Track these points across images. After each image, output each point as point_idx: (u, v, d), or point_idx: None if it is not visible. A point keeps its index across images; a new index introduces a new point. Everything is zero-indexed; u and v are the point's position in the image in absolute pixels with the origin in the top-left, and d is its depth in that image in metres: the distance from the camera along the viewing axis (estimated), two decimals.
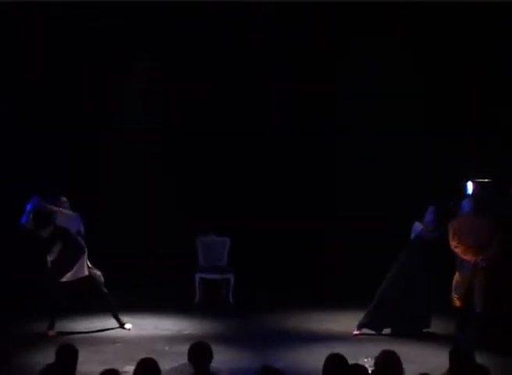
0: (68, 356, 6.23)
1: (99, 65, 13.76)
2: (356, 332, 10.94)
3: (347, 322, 11.90)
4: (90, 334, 10.91)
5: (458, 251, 10.55)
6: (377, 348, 6.50)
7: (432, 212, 10.96)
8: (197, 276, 12.88)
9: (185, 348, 6.51)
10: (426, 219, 11.00)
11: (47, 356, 6.69)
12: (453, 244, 10.61)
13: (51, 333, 10.69)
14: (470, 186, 12.18)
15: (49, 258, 10.83)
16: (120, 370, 8.11)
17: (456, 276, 10.61)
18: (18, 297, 12.46)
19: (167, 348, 10.10)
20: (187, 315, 11.60)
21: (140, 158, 14.37)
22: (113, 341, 10.58)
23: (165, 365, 6.70)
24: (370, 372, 6.34)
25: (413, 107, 13.54)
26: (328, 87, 13.98)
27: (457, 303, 10.56)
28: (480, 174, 12.41)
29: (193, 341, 6.69)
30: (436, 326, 11.34)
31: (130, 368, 6.46)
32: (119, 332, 11.15)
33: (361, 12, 13.01)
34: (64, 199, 10.99)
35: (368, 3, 12.72)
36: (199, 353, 6.30)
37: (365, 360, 7.82)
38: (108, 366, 8.24)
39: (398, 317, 10.91)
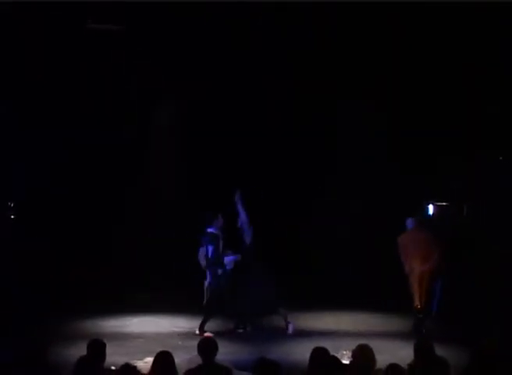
0: (97, 349, 6.19)
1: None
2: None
3: (328, 320, 11.90)
4: (117, 331, 10.88)
5: (403, 262, 10.92)
6: (354, 342, 6.49)
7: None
8: (206, 283, 12.80)
9: (195, 342, 6.49)
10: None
11: (80, 350, 6.65)
12: (401, 256, 10.95)
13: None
14: (431, 208, 12.18)
15: None
16: (141, 361, 8.19)
17: (413, 287, 10.91)
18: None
19: (180, 342, 10.06)
20: (197, 315, 11.52)
21: (160, 186, 14.14)
22: (135, 336, 10.55)
23: (178, 357, 6.66)
24: (348, 362, 6.33)
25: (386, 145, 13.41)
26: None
27: (418, 306, 10.88)
28: (439, 198, 12.39)
29: (201, 336, 6.67)
30: (403, 325, 11.37)
31: (150, 359, 6.43)
32: (140, 329, 11.12)
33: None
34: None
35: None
36: (207, 347, 6.27)
37: (344, 352, 7.78)
38: (131, 358, 8.28)
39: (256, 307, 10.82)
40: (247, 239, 10.82)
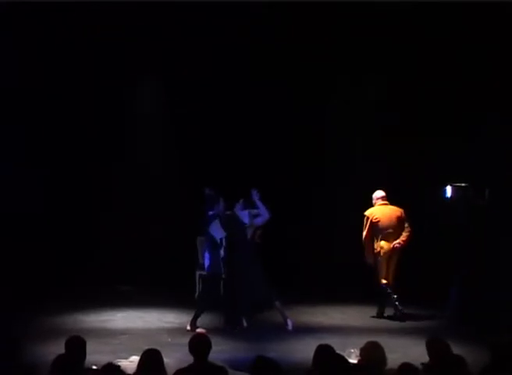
0: (77, 347, 6.21)
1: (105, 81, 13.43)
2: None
3: (335, 315, 11.95)
4: (99, 327, 10.91)
5: (365, 241, 11.58)
6: (362, 340, 6.53)
7: (241, 204, 10.98)
8: (197, 273, 12.85)
9: (186, 339, 6.51)
10: (236, 209, 10.96)
11: (58, 347, 6.69)
12: (364, 233, 11.58)
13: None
14: (448, 190, 12.18)
15: None
16: (126, 360, 8.23)
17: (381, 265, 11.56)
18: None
19: (170, 339, 10.09)
20: (188, 309, 11.58)
21: (144, 168, 14.28)
22: (120, 332, 10.57)
23: (168, 355, 6.69)
24: (356, 362, 6.37)
25: (396, 115, 13.40)
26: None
27: (383, 281, 11.57)
28: (458, 179, 12.39)
29: (193, 333, 6.69)
30: (417, 320, 11.46)
31: (136, 358, 6.46)
32: (125, 324, 11.16)
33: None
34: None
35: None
36: (199, 344, 6.29)
37: (352, 351, 7.81)
38: (115, 357, 8.33)
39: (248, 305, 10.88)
40: (249, 232, 10.93)
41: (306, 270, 13.69)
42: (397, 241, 11.59)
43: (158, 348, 6.13)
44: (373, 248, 11.61)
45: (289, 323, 10.82)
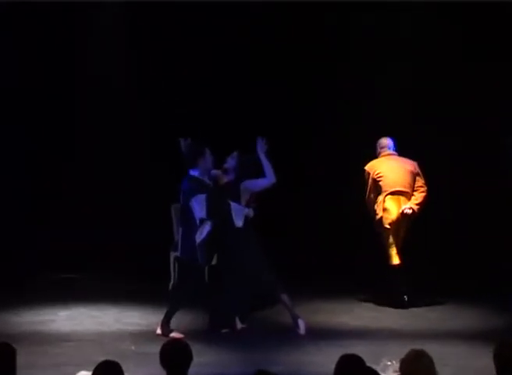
0: (3, 358, 6.21)
1: None
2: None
3: (364, 313, 12.02)
4: (36, 330, 10.95)
5: (369, 203, 11.92)
6: (402, 348, 6.54)
7: (235, 158, 11.13)
8: (172, 254, 12.86)
9: (156, 347, 6.50)
10: (228, 164, 11.14)
11: None
12: (367, 194, 11.95)
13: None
14: None
15: None
16: None
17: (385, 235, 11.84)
18: None
19: (133, 347, 10.15)
20: (159, 305, 11.63)
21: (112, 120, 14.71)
22: (64, 338, 10.61)
23: (130, 369, 6.70)
24: None
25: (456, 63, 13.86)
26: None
27: (396, 260, 11.89)
28: None
29: (166, 338, 6.71)
30: (477, 321, 11.55)
31: (86, 373, 6.46)
32: (70, 327, 11.21)
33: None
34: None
35: None
36: (174, 354, 6.29)
37: (388, 363, 7.85)
38: (57, 372, 8.36)
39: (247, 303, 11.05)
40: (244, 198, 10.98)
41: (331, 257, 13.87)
42: (407, 205, 11.62)
43: (117, 360, 6.12)
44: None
45: (301, 324, 10.87)
